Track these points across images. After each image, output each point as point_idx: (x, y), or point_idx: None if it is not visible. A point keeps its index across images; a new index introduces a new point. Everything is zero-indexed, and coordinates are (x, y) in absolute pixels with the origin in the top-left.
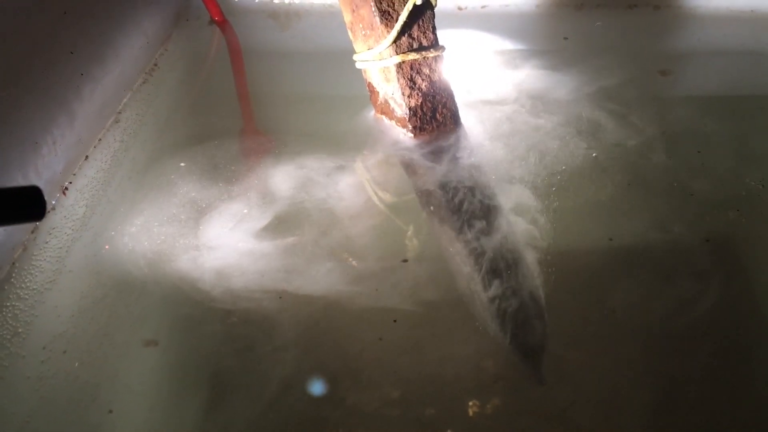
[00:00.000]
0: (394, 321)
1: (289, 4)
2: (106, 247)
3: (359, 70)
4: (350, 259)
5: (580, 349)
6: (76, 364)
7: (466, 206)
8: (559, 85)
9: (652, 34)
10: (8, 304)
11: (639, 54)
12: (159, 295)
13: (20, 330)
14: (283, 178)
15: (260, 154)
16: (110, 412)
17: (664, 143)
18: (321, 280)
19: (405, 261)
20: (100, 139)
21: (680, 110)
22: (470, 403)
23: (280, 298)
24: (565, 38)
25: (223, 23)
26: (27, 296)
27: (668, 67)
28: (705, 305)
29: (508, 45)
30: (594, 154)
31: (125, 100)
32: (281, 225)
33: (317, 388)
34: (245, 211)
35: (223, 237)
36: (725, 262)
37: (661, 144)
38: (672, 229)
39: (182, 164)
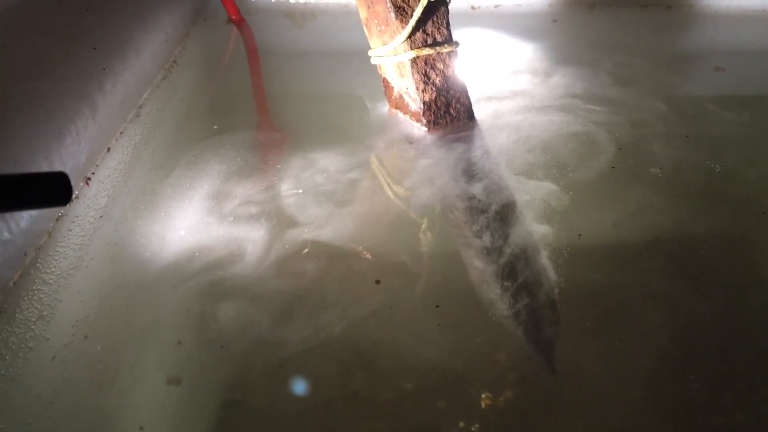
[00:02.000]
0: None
1: (305, 3)
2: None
3: (374, 68)
4: (364, 252)
5: (592, 339)
6: (98, 348)
7: (480, 200)
8: (569, 82)
9: (664, 32)
10: (34, 288)
11: (651, 52)
12: (176, 282)
13: (45, 313)
14: (297, 172)
15: (276, 149)
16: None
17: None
18: (331, 278)
19: (420, 255)
20: (121, 132)
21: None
22: (482, 395)
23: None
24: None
25: (240, 22)
26: (51, 281)
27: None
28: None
29: (520, 44)
30: (611, 151)
31: (145, 95)
32: (294, 222)
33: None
34: (261, 203)
35: (237, 231)
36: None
37: (671, 140)
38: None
39: (199, 157)
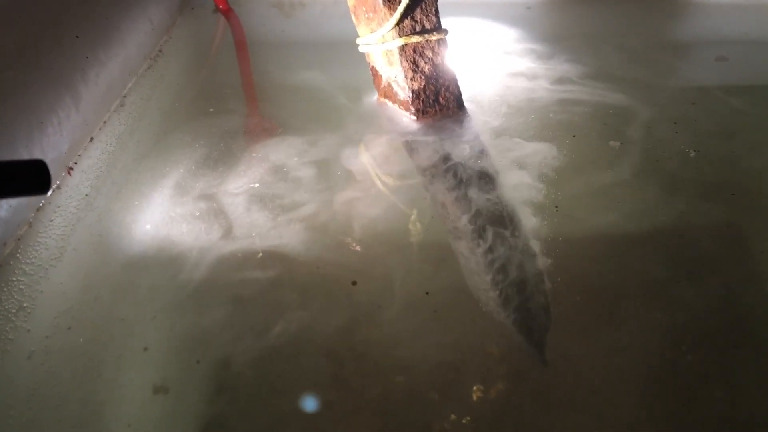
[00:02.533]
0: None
1: None
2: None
3: (363, 58)
4: (353, 245)
5: (583, 331)
6: (81, 340)
7: (469, 190)
8: (557, 71)
9: (655, 21)
10: (13, 278)
11: (640, 40)
12: (162, 271)
13: (25, 305)
14: (285, 162)
15: (264, 138)
16: (114, 385)
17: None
18: (319, 261)
19: (409, 245)
20: (105, 122)
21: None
22: (474, 387)
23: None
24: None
25: (227, 11)
26: (32, 272)
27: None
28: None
29: (509, 33)
30: (596, 138)
31: (130, 84)
32: (283, 211)
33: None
34: (252, 189)
35: (227, 219)
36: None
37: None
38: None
39: (183, 151)
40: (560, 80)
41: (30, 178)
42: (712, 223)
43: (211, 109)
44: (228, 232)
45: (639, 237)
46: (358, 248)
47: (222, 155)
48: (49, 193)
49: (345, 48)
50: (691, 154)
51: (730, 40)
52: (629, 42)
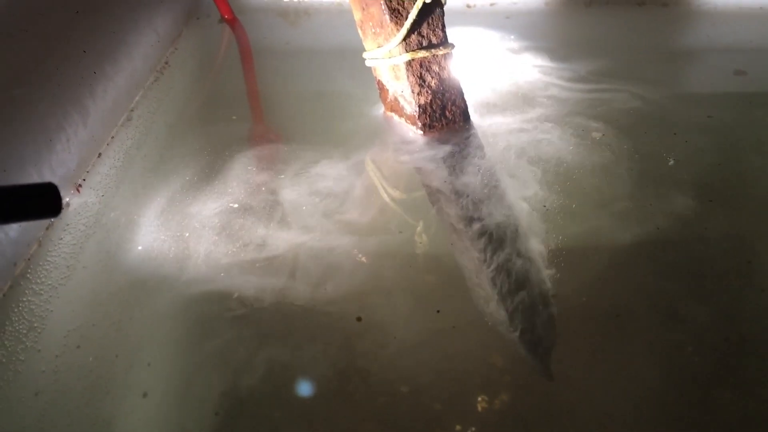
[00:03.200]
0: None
1: (299, 2)
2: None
3: (369, 68)
4: (360, 256)
5: (589, 345)
6: (90, 359)
7: (476, 203)
8: (565, 81)
9: (661, 31)
10: (24, 299)
11: (647, 50)
12: (174, 290)
13: (36, 324)
14: (291, 177)
15: (269, 150)
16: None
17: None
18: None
19: (416, 257)
20: (112, 137)
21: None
22: (478, 398)
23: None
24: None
25: (233, 21)
26: (42, 291)
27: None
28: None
29: (516, 42)
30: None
31: (137, 98)
32: (288, 226)
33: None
34: (253, 205)
35: (234, 236)
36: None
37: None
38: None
39: (190, 164)
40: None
41: (41, 202)
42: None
43: (217, 120)
44: (238, 245)
45: (656, 246)
46: (364, 260)
47: (226, 168)
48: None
49: (351, 57)
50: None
51: (746, 49)
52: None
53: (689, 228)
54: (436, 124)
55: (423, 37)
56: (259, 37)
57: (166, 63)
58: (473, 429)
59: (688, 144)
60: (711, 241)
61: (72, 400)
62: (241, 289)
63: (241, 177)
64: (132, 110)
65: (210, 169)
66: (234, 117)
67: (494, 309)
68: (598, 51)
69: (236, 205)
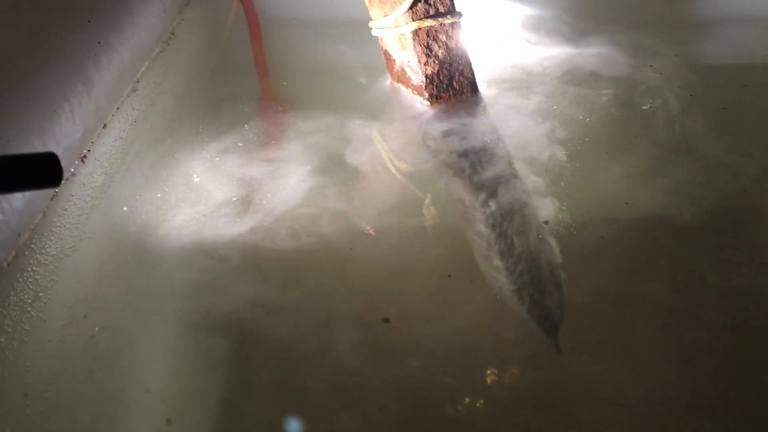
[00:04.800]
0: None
1: None
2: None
3: (377, 39)
4: (367, 229)
5: (598, 319)
6: (96, 329)
7: (483, 175)
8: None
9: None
10: (29, 269)
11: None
12: (178, 259)
13: (41, 294)
14: (299, 148)
15: (277, 122)
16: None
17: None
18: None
19: (424, 229)
20: (118, 108)
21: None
22: (488, 371)
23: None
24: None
25: None
26: (47, 262)
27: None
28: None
29: (521, 10)
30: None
31: (143, 68)
32: (297, 198)
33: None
34: (259, 177)
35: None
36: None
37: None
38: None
39: (198, 134)
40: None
41: (41, 172)
42: None
43: (225, 91)
44: (247, 215)
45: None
46: (373, 233)
47: (235, 139)
48: (63, 182)
49: (359, 27)
50: None
51: None
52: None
53: None
54: (444, 95)
55: (430, 5)
56: (267, 6)
57: (173, 33)
58: (482, 401)
59: None
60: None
61: (78, 371)
62: (247, 256)
63: (248, 150)
64: (137, 81)
65: (218, 140)
66: (224, 91)
67: (503, 281)
68: None
69: (245, 176)
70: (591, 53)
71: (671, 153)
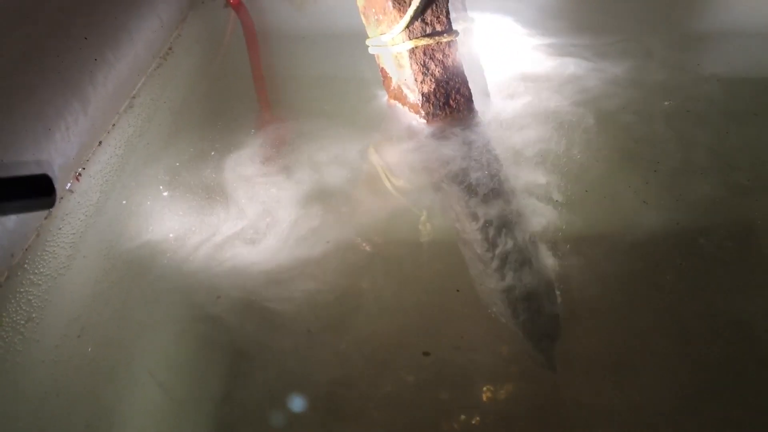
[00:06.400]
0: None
1: None
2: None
3: (374, 56)
4: (364, 245)
5: (593, 337)
6: (89, 349)
7: (480, 193)
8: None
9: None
10: (22, 290)
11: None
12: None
13: (34, 315)
14: (297, 166)
15: (275, 136)
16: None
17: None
18: (329, 265)
19: (420, 246)
20: (113, 125)
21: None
22: (483, 388)
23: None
24: None
25: (238, 5)
26: (41, 282)
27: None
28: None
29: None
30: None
31: (139, 84)
32: (293, 212)
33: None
34: (257, 194)
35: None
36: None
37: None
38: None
39: (196, 150)
40: None
41: (35, 194)
42: None
43: (222, 106)
44: (239, 238)
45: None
46: (367, 248)
47: (233, 154)
48: (58, 201)
49: (356, 41)
50: None
51: None
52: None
53: None
54: (440, 113)
55: (427, 24)
56: (264, 21)
57: (170, 49)
58: (477, 418)
59: None
60: None
61: (71, 390)
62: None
63: (246, 166)
64: (134, 97)
65: (215, 156)
66: (221, 106)
67: (498, 299)
68: None
69: (243, 190)
70: None
71: None
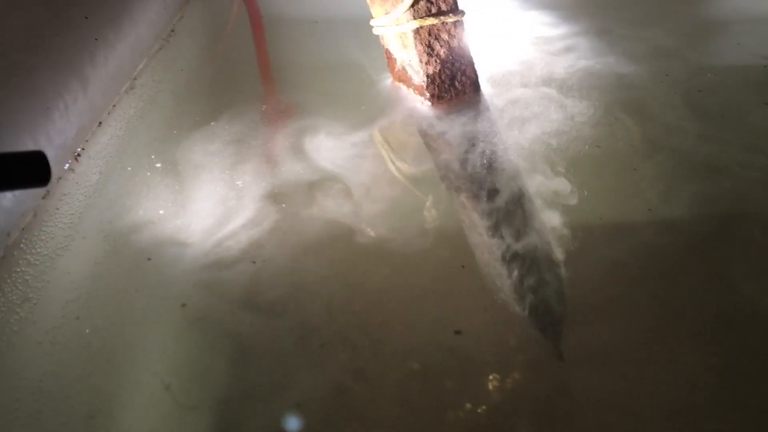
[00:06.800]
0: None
1: None
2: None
3: (379, 37)
4: (369, 232)
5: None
6: (90, 330)
7: (485, 177)
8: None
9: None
10: (18, 269)
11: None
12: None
13: (31, 296)
14: (301, 146)
15: (281, 120)
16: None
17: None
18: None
19: (425, 232)
20: (114, 106)
21: None
22: (489, 377)
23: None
24: None
25: None
26: (38, 262)
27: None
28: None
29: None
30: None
31: (141, 66)
32: (299, 198)
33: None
34: (263, 180)
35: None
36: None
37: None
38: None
39: (201, 133)
40: None
41: (29, 170)
42: None
43: (226, 90)
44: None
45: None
46: (372, 234)
47: (236, 140)
48: (56, 181)
49: (362, 25)
50: None
51: None
52: None
53: None
54: (445, 95)
55: (432, 3)
56: (269, 4)
57: (172, 31)
58: (483, 407)
59: None
60: None
61: (69, 373)
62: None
63: (251, 151)
64: (135, 78)
65: (219, 141)
66: (226, 90)
67: (504, 286)
68: None
69: (248, 178)
70: None
71: None
